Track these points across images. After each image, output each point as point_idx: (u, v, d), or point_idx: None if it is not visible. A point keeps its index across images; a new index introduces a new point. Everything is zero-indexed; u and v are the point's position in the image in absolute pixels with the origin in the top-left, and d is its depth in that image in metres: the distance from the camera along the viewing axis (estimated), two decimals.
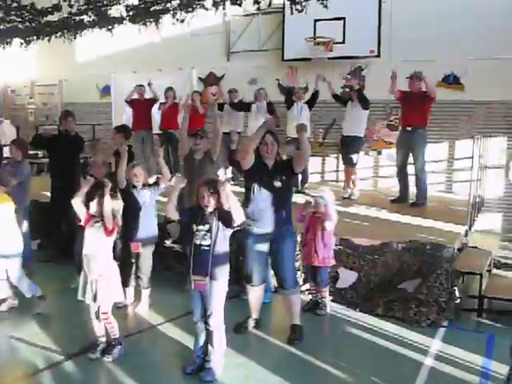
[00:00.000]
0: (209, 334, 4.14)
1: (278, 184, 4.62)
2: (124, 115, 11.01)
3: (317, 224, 5.37)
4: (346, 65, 10.12)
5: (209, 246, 4.01)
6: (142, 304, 5.51)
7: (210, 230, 4.01)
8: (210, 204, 4.00)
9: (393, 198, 8.19)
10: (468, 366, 4.42)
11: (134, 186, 5.34)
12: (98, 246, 4.31)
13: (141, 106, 10.07)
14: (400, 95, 7.87)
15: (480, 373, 4.32)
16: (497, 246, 8.13)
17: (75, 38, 8.76)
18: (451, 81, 9.42)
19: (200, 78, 11.81)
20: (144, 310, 5.48)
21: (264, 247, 4.78)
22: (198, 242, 4.03)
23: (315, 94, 8.58)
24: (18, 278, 5.37)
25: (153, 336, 5.03)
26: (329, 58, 9.99)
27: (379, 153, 9.95)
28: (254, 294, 4.97)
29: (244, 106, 9.41)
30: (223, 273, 4.12)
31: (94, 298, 4.31)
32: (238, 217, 4.03)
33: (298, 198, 5.36)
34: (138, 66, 12.17)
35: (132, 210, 5.20)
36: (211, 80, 11.73)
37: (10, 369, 4.35)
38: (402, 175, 8.03)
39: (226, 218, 4.00)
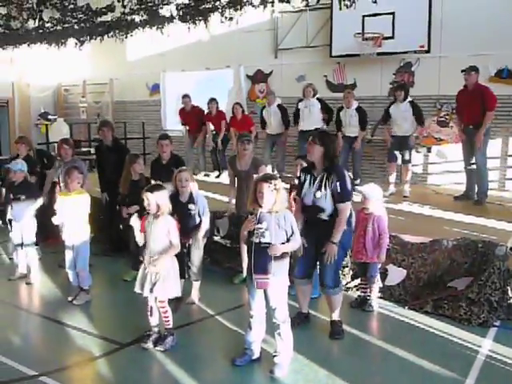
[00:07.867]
0: (276, 328, 4.18)
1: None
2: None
3: (365, 220, 5.35)
4: (395, 60, 9.97)
5: (269, 243, 4.01)
6: (192, 296, 5.62)
7: (268, 228, 4.02)
8: (268, 202, 3.99)
9: (457, 196, 8.19)
10: None
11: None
12: (160, 240, 4.46)
13: (189, 117, 10.58)
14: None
15: None
16: None
17: (126, 37, 8.96)
18: (505, 75, 9.14)
19: (248, 76, 11.89)
20: (194, 302, 5.59)
21: (311, 243, 4.75)
22: (257, 240, 4.03)
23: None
24: (83, 267, 5.63)
25: (202, 328, 5.13)
26: (378, 54, 9.88)
27: (429, 149, 9.78)
28: (300, 289, 5.01)
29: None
30: (283, 268, 4.12)
31: (151, 290, 4.43)
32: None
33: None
34: (186, 64, 12.37)
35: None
36: (259, 77, 11.79)
37: (68, 355, 4.52)
38: (467, 172, 8.10)
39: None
